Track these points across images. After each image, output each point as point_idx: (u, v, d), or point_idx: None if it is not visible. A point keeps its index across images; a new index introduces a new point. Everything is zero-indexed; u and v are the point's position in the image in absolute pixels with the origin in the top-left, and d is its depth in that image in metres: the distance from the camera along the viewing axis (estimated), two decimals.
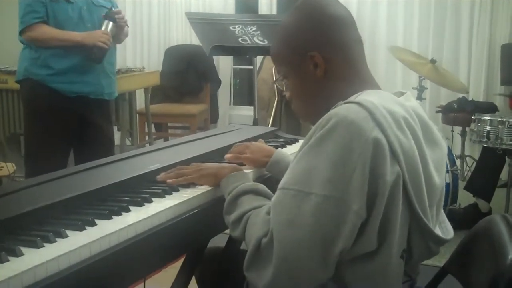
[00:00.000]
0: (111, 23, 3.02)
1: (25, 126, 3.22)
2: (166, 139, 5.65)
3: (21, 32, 2.94)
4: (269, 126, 4.82)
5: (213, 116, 5.76)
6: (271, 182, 1.55)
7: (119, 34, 3.12)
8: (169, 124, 5.83)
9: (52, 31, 2.92)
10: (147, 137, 5.26)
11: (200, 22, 2.91)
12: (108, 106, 3.27)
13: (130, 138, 4.93)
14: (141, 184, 1.51)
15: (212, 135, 2.24)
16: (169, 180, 1.52)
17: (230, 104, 6.04)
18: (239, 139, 2.05)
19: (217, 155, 1.83)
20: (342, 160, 1.10)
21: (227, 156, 1.68)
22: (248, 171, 1.65)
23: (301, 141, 2.13)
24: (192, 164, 1.60)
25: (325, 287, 1.16)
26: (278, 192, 1.17)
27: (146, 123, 5.16)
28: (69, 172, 1.60)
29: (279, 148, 1.89)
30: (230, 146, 1.88)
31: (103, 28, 2.99)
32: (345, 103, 1.19)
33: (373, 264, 1.15)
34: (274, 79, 4.92)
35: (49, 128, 3.01)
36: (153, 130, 5.43)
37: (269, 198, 1.27)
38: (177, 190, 1.47)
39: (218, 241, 1.82)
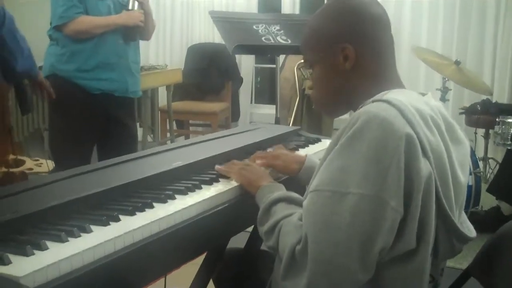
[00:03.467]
0: (136, 2, 3.11)
1: (50, 121, 3.26)
2: (187, 137, 5.68)
3: (60, 27, 2.96)
4: (290, 125, 4.82)
5: (234, 115, 5.77)
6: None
7: (147, 21, 3.16)
8: (190, 122, 5.85)
9: (94, 20, 2.97)
10: (168, 134, 5.28)
11: (223, 20, 2.91)
12: (132, 104, 3.30)
13: (152, 135, 4.96)
14: (165, 181, 1.52)
15: (235, 134, 2.24)
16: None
17: (251, 103, 6.05)
18: (261, 138, 2.05)
19: (240, 153, 1.83)
20: (376, 157, 1.09)
21: (258, 162, 1.65)
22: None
23: (324, 140, 2.15)
24: (244, 160, 1.62)
25: None
26: (310, 194, 1.16)
27: (167, 120, 5.18)
28: (94, 167, 1.62)
29: (308, 154, 1.87)
30: (253, 144, 1.88)
31: (135, 8, 3.07)
32: (373, 102, 1.19)
33: (411, 264, 1.14)
34: (295, 78, 4.96)
35: (73, 124, 3.03)
36: (175, 127, 5.45)
37: (301, 205, 1.27)
38: (200, 188, 1.48)
39: (238, 242, 1.82)
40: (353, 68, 1.29)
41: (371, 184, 1.08)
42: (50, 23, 3.03)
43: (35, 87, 2.72)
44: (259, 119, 5.91)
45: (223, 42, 5.13)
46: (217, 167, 1.63)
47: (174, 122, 5.35)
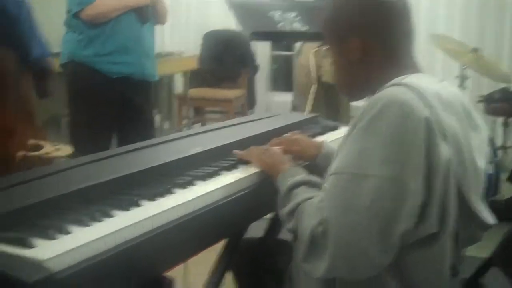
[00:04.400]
0: None
1: (69, 107, 3.27)
2: (203, 124, 5.69)
3: (78, 13, 2.97)
4: (307, 112, 4.80)
5: (251, 102, 5.76)
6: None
7: (156, 1, 3.16)
8: (207, 109, 5.85)
9: (110, 2, 2.98)
10: (185, 121, 5.29)
11: (239, 7, 2.90)
12: (150, 88, 3.31)
13: (168, 122, 4.98)
14: (184, 167, 1.52)
15: (253, 121, 2.25)
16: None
17: (267, 90, 6.03)
18: (279, 125, 2.05)
19: (258, 140, 1.83)
20: (396, 139, 1.09)
21: (275, 148, 1.65)
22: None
23: (342, 128, 2.14)
24: (263, 146, 1.63)
25: (380, 275, 1.15)
26: (330, 177, 1.16)
27: (184, 107, 5.19)
28: (114, 153, 1.63)
29: (325, 140, 1.87)
30: (271, 131, 1.88)
31: None
32: (392, 86, 1.18)
33: (432, 249, 1.15)
34: (312, 65, 4.93)
35: (93, 109, 3.06)
36: (191, 114, 5.47)
37: (321, 188, 1.27)
38: (219, 174, 1.48)
39: (256, 229, 1.83)
40: (362, 59, 1.29)
41: (391, 167, 1.09)
42: (68, 12, 3.04)
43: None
44: (276, 107, 5.89)
45: (239, 29, 5.11)
46: (236, 151, 1.63)
47: (190, 109, 5.35)
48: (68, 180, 1.35)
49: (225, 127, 2.09)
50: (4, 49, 2.02)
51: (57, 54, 3.81)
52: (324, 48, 1.40)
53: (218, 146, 1.69)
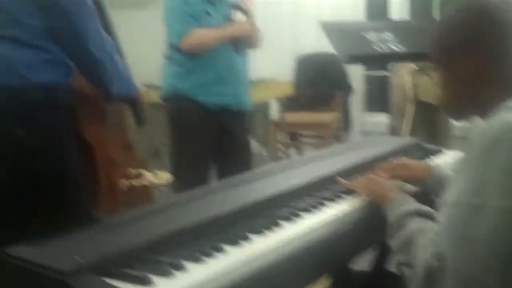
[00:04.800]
0: (241, 12, 3.15)
1: (170, 138, 3.37)
2: (299, 149, 5.70)
3: (178, 44, 3.03)
4: (404, 133, 4.69)
5: (346, 124, 5.71)
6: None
7: (254, 29, 3.19)
8: (302, 133, 5.85)
9: (208, 33, 3.02)
10: (280, 147, 5.32)
11: (334, 30, 2.90)
12: (246, 117, 3.36)
13: (265, 148, 5.02)
14: (288, 198, 1.53)
15: (352, 148, 2.23)
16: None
17: (362, 111, 5.97)
18: (380, 151, 2.02)
19: (360, 168, 1.81)
20: None
21: (382, 175, 1.62)
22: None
23: (446, 152, 2.08)
24: (366, 175, 1.62)
25: None
26: (445, 208, 1.13)
27: (279, 132, 5.22)
28: (216, 188, 1.65)
29: (434, 165, 1.81)
30: (373, 158, 1.85)
31: (241, 17, 3.15)
32: (506, 109, 1.14)
33: None
34: (408, 84, 4.83)
35: (193, 139, 3.14)
36: (287, 140, 5.48)
37: (433, 219, 1.24)
38: (324, 205, 1.47)
39: (362, 261, 1.79)
40: (477, 77, 1.25)
41: (511, 197, 1.04)
42: (167, 44, 3.15)
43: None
44: (371, 128, 5.83)
45: (332, 51, 5.08)
46: (340, 180, 1.62)
47: (286, 135, 5.38)
48: (177, 216, 1.39)
49: (325, 156, 2.08)
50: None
51: (155, 87, 3.97)
52: (426, 66, 1.35)
53: (321, 176, 1.69)
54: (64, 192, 1.85)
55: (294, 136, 5.74)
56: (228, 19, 3.16)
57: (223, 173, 3.31)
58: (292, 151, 5.74)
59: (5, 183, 1.77)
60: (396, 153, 2.02)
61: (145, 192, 2.50)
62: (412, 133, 4.64)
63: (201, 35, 3.01)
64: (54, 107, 1.83)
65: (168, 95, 3.16)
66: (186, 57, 3.07)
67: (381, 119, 5.74)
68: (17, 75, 1.74)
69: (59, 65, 1.83)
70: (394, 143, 2.21)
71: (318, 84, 5.62)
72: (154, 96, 4.27)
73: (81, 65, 1.90)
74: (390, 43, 2.88)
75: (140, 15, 6.55)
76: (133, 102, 2.27)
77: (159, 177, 2.49)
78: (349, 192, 1.57)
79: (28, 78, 1.75)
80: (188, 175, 3.12)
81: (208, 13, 3.06)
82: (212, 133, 3.16)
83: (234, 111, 3.18)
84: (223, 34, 3.04)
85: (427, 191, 1.60)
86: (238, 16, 3.18)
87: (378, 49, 2.81)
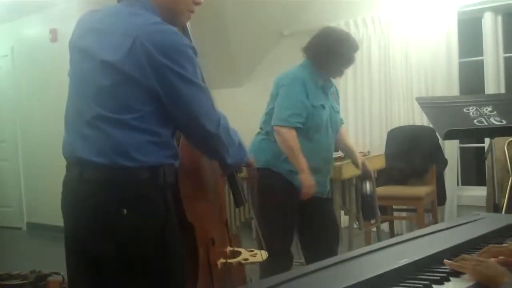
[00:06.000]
0: (368, 183, 3.38)
1: (260, 211, 3.38)
2: (391, 223, 5.55)
3: (276, 128, 3.12)
4: (504, 207, 4.51)
5: (440, 198, 5.54)
6: None
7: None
8: (394, 207, 5.72)
9: (294, 145, 3.08)
10: (373, 221, 5.20)
11: (432, 106, 2.87)
12: (331, 202, 3.48)
13: (357, 222, 4.92)
14: (392, 280, 1.47)
15: (455, 226, 2.14)
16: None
17: (458, 185, 5.77)
18: (486, 230, 1.93)
19: (467, 247, 1.74)
20: None
21: (493, 259, 1.54)
22: None
23: None
24: (474, 255, 1.56)
25: None
26: None
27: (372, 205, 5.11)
28: (314, 268, 1.61)
29: None
30: (480, 238, 1.77)
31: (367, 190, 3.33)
32: None
33: None
34: (507, 155, 4.66)
35: (283, 215, 3.18)
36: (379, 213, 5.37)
37: None
38: None
39: None
40: None
41: None
42: (267, 116, 3.23)
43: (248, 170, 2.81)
44: (467, 202, 5.62)
45: (424, 124, 5.03)
46: (447, 262, 1.55)
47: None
48: None
49: (428, 234, 2.01)
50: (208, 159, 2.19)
51: None
52: None
53: (426, 256, 1.62)
54: (167, 272, 1.88)
55: (386, 210, 5.61)
56: (336, 111, 3.29)
57: (309, 246, 3.32)
58: (385, 225, 5.61)
59: (112, 260, 1.81)
60: (504, 231, 1.92)
61: (239, 269, 2.51)
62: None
63: (291, 143, 3.07)
64: (160, 186, 1.89)
65: (264, 168, 3.19)
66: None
67: (477, 192, 5.55)
68: (127, 156, 1.81)
69: (166, 147, 1.91)
70: (501, 221, 2.11)
71: (411, 156, 5.52)
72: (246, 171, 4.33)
73: (198, 141, 1.99)
74: (491, 118, 2.81)
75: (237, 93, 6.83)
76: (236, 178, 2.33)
77: (255, 255, 2.48)
78: (456, 274, 1.50)
79: (137, 159, 1.82)
80: (279, 250, 3.16)
81: (323, 107, 3.16)
82: (299, 210, 3.22)
83: (318, 198, 3.25)
84: (297, 163, 3.08)
85: None
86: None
87: (478, 124, 2.74)
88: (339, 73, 3.24)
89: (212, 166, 2.27)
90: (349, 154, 3.55)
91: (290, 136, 3.07)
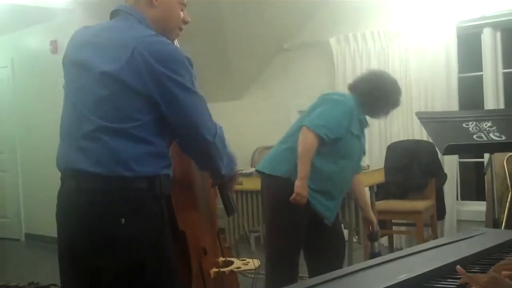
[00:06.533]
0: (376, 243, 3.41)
1: (273, 221, 3.38)
2: (390, 237, 5.54)
3: (304, 126, 3.14)
4: (504, 223, 4.50)
5: (440, 212, 5.53)
6: None
7: None
8: (393, 221, 5.70)
9: (310, 150, 3.10)
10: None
11: (432, 121, 2.87)
12: (338, 217, 3.48)
13: (357, 236, 4.91)
14: None
15: (455, 241, 2.13)
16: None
17: (457, 199, 5.77)
18: (489, 244, 1.92)
19: (467, 262, 1.73)
20: None
21: (505, 273, 1.53)
22: None
23: None
24: (489, 272, 1.55)
25: None
26: None
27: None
28: (319, 281, 1.61)
29: None
30: (482, 252, 1.77)
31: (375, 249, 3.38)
32: None
33: None
34: (506, 170, 4.66)
35: (297, 227, 3.22)
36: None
37: None
38: None
39: None
40: None
41: None
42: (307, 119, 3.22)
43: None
44: (466, 217, 5.61)
45: (423, 139, 5.02)
46: (460, 270, 1.55)
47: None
48: None
49: (429, 249, 2.00)
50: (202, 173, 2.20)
51: (246, 174, 4.02)
52: None
53: (428, 271, 1.62)
54: (164, 281, 1.88)
55: (385, 224, 5.59)
56: (363, 152, 3.41)
57: (315, 260, 3.32)
58: (384, 240, 5.60)
59: (109, 269, 1.82)
60: (508, 246, 1.92)
61: (232, 278, 2.51)
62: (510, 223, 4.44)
63: (308, 148, 3.10)
64: (156, 197, 1.90)
65: (283, 178, 3.21)
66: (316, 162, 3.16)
67: (477, 207, 5.54)
68: (126, 166, 1.82)
69: (162, 157, 1.93)
70: (504, 236, 2.10)
71: (410, 171, 5.52)
72: (246, 184, 4.33)
73: (195, 151, 2.01)
74: (490, 133, 2.81)
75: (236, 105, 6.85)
76: (228, 187, 2.33)
77: (248, 263, 2.49)
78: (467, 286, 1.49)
79: (135, 169, 1.83)
80: (285, 260, 3.22)
81: (358, 137, 3.24)
82: (306, 220, 3.23)
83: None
84: (303, 170, 3.10)
85: None
86: None
87: (478, 139, 2.74)
88: (385, 114, 3.39)
89: (202, 175, 2.31)
90: (361, 204, 3.61)
91: (311, 142, 3.09)
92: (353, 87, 3.32)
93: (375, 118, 3.43)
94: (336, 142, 3.13)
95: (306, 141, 3.10)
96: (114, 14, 2.04)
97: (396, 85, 3.34)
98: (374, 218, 3.50)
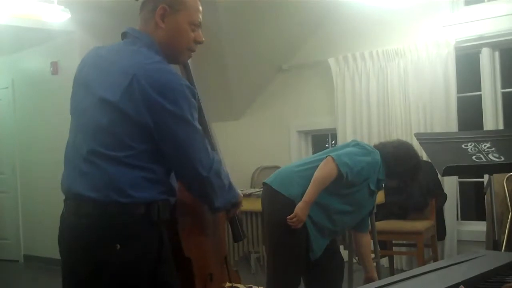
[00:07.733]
0: None
1: (274, 239, 3.37)
2: (391, 258, 5.51)
3: (330, 156, 3.17)
4: (504, 243, 4.48)
5: (440, 233, 5.51)
6: None
7: None
8: (394, 242, 5.68)
9: (326, 178, 3.14)
10: (373, 255, 5.16)
11: (431, 142, 2.88)
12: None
13: (357, 257, 4.89)
14: None
15: (455, 263, 2.12)
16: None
17: (457, 219, 5.75)
18: (486, 268, 1.91)
19: (466, 286, 1.71)
20: None
21: None
22: None
23: None
24: None
25: None
26: None
27: (371, 241, 5.08)
28: None
29: None
30: (487, 273, 1.76)
31: None
32: None
33: None
34: (506, 190, 4.65)
35: (301, 248, 3.22)
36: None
37: None
38: None
39: None
40: None
41: None
42: (334, 152, 3.26)
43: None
44: (466, 237, 5.60)
45: (423, 159, 5.02)
46: None
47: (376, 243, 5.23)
48: None
49: (431, 271, 1.99)
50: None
51: (247, 195, 4.00)
52: None
53: None
54: None
55: (385, 244, 5.57)
56: (367, 209, 3.42)
57: (314, 282, 3.32)
58: (384, 260, 5.57)
59: None
60: (501, 271, 1.90)
61: None
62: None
63: (325, 176, 3.13)
64: (154, 223, 1.89)
65: (285, 195, 3.23)
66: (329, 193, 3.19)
67: (477, 227, 5.52)
68: (121, 192, 1.82)
69: (160, 183, 1.91)
70: (505, 257, 2.09)
71: (410, 191, 5.49)
72: (246, 205, 4.30)
73: (188, 182, 1.98)
74: (489, 154, 2.82)
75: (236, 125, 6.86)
76: (232, 212, 2.31)
77: None
78: None
79: (131, 195, 1.83)
80: (286, 279, 3.24)
81: (370, 191, 3.28)
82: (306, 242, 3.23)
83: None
84: (310, 196, 3.13)
85: None
86: None
87: (477, 160, 2.74)
88: (399, 182, 3.51)
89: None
90: (365, 267, 3.64)
91: (331, 172, 3.12)
92: (381, 147, 3.37)
93: (389, 181, 3.46)
94: (351, 186, 3.17)
95: (327, 169, 3.13)
96: (123, 36, 2.03)
97: (419, 165, 3.37)
98: (377, 278, 3.56)
